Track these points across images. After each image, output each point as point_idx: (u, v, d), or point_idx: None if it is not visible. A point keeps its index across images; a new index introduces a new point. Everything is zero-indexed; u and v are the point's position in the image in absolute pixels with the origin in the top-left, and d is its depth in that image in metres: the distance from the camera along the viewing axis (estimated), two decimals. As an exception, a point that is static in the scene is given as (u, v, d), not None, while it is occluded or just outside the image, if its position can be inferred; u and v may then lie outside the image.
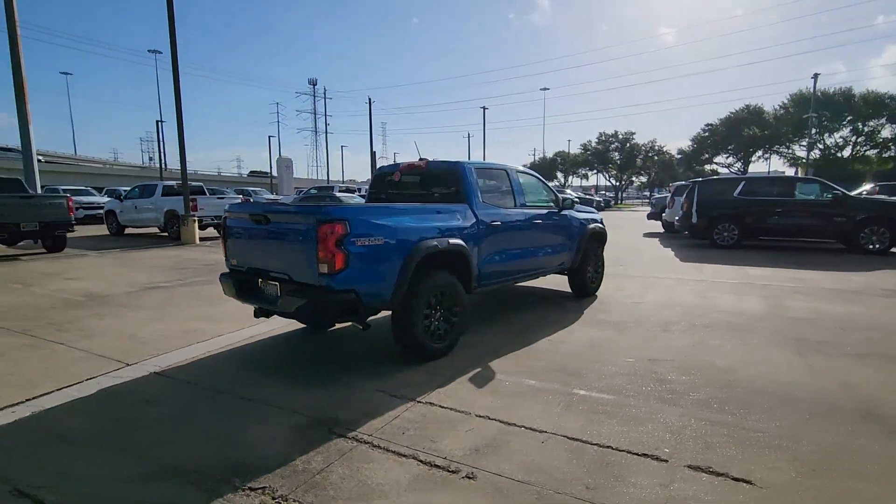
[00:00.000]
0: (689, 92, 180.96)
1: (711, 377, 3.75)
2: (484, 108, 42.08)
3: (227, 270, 4.45)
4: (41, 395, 3.50)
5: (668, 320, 5.42)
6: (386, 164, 5.55)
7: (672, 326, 5.18)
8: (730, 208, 12.18)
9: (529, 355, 4.32)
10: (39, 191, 14.55)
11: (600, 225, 6.84)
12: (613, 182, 55.47)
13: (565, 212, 6.13)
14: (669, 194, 16.93)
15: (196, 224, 14.34)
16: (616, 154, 51.75)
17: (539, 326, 5.21)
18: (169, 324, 5.40)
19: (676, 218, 13.92)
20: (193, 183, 16.30)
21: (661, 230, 17.15)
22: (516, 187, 5.43)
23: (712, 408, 3.23)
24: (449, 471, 2.53)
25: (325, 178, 61.16)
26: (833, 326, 5.11)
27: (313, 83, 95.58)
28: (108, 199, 19.79)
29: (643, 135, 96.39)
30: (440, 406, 3.29)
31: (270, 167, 61.46)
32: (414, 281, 3.98)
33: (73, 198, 12.96)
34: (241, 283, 4.20)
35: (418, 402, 3.36)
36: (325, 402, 3.37)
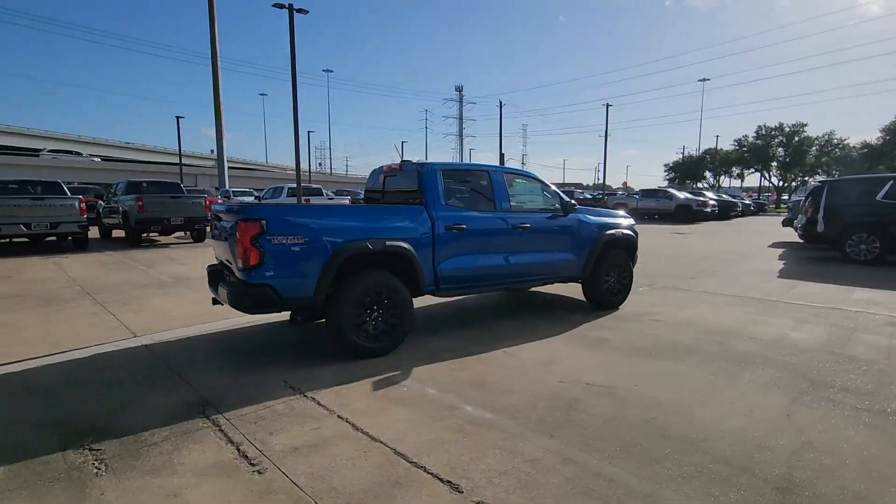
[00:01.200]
0: (879, 74, 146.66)
1: (635, 416, 3.20)
2: (607, 105, 39.31)
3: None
4: (58, 353, 4.41)
5: (671, 343, 4.68)
6: (377, 167, 5.71)
7: (666, 351, 4.47)
8: (869, 215, 9.83)
9: (463, 365, 4.14)
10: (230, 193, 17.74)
11: (625, 231, 6.12)
12: (776, 182, 47.74)
13: (573, 216, 5.64)
14: (806, 197, 14.17)
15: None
16: (780, 150, 44.39)
17: (512, 336, 4.91)
18: (201, 306, 6.26)
19: (798, 225, 11.63)
20: (311, 185, 18.27)
21: (797, 239, 14.42)
22: (498, 190, 5.16)
23: (592, 449, 2.78)
24: (251, 463, 2.62)
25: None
26: (880, 374, 3.93)
27: (460, 89, 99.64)
28: (250, 199, 23.18)
29: (815, 127, 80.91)
30: (316, 402, 3.38)
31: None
32: (340, 280, 4.10)
33: (222, 198, 15.61)
34: (213, 273, 4.74)
35: (303, 395, 3.49)
36: (229, 385, 3.68)
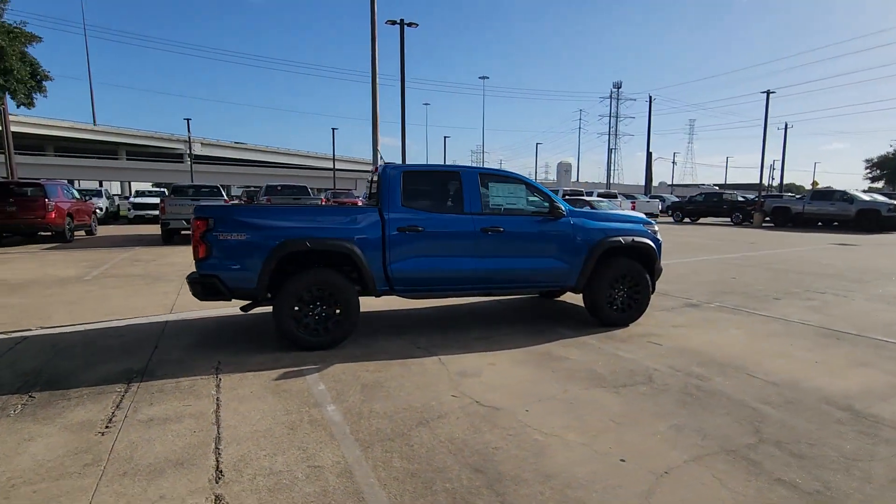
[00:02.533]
0: None
1: (477, 443, 2.89)
2: (767, 93, 32.90)
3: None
4: (101, 321, 5.54)
5: (636, 372, 4.02)
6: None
7: (618, 379, 3.87)
8: None
9: (382, 367, 4.11)
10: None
11: (639, 239, 5.34)
12: None
13: (564, 220, 5.14)
14: None
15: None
16: None
17: (468, 344, 4.70)
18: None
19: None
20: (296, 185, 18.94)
21: None
22: (469, 192, 4.95)
23: (392, 477, 2.63)
24: (105, 426, 3.04)
25: (606, 183, 59.79)
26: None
27: (618, 86, 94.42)
28: None
29: None
30: (216, 383, 3.71)
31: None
32: (280, 275, 4.41)
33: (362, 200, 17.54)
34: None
35: (215, 376, 3.86)
36: (175, 360, 4.23)
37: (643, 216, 5.75)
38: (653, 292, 5.58)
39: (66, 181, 18.97)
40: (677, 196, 38.35)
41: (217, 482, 2.45)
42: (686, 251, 12.74)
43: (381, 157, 5.74)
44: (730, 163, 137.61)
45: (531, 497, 2.35)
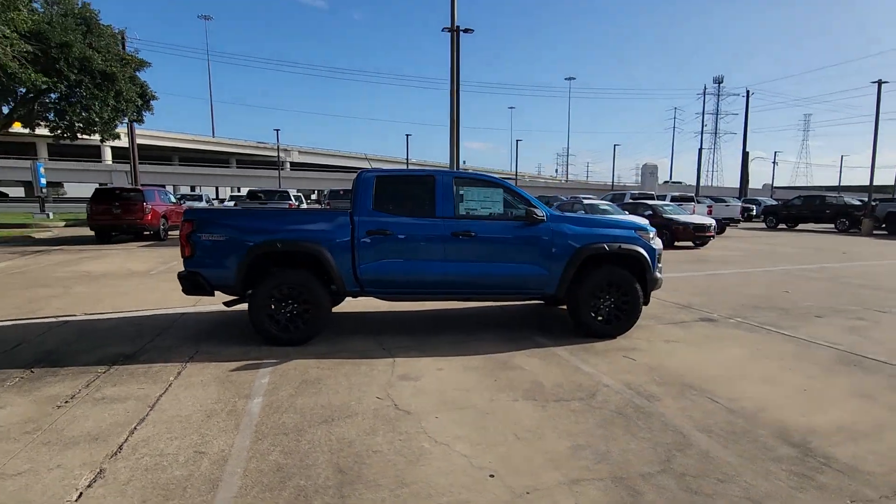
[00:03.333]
0: None
1: (335, 435, 2.93)
2: (879, 83, 28.02)
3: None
4: (133, 311, 6.28)
5: (583, 387, 3.80)
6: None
7: (559, 394, 3.68)
8: None
9: (332, 366, 4.25)
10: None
11: (627, 246, 4.99)
12: None
13: (544, 225, 4.95)
14: None
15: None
16: None
17: (435, 348, 4.70)
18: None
19: None
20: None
21: None
22: (440, 196, 4.95)
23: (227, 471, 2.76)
24: (64, 402, 3.50)
25: (696, 185, 55.52)
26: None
27: (719, 81, 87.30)
28: None
29: None
30: (179, 372, 4.08)
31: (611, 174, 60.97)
32: (253, 273, 4.73)
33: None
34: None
35: (183, 364, 4.24)
36: (164, 347, 4.70)
37: (640, 222, 5.35)
38: (646, 303, 5.18)
39: (164, 187, 21.48)
40: (776, 199, 34.48)
41: (112, 458, 2.74)
42: (759, 261, 11.53)
43: (370, 163, 5.89)
44: (856, 163, 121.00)
45: (372, 501, 2.35)
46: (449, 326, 5.60)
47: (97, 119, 16.34)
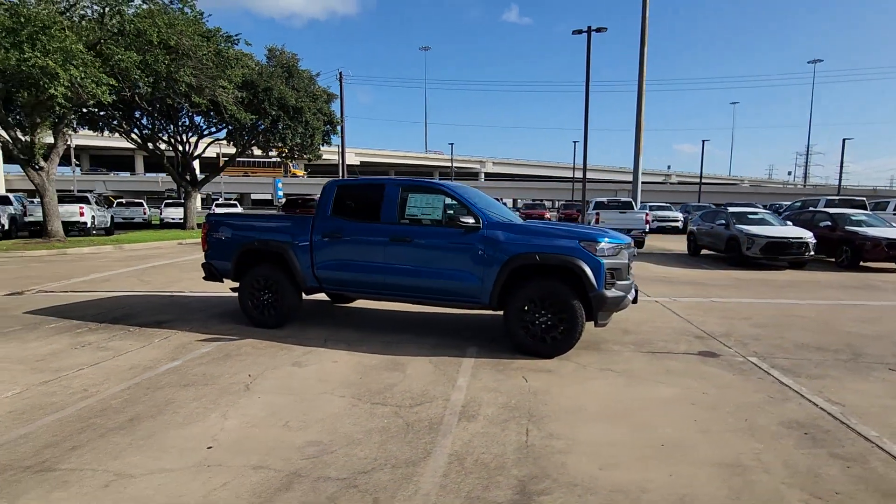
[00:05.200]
0: None
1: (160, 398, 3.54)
2: None
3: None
4: (192, 291, 8.10)
5: (415, 396, 3.72)
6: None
7: (396, 399, 3.70)
8: None
9: (256, 346, 4.95)
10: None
11: (564, 256, 4.46)
12: None
13: (481, 232, 4.81)
14: None
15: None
16: None
17: (388, 343, 5.03)
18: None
19: None
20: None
21: None
22: (387, 202, 5.21)
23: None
24: (72, 349, 5.00)
25: None
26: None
27: None
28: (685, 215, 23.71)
29: None
30: (158, 334, 5.32)
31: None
32: (242, 266, 5.77)
33: (651, 213, 18.03)
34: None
35: (184, 332, 5.49)
36: (193, 320, 6.10)
37: (591, 232, 4.68)
38: (599, 324, 4.54)
39: None
40: None
41: (22, 391, 3.93)
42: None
43: (357, 174, 6.38)
44: None
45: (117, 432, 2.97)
46: (409, 327, 5.77)
47: (290, 144, 20.59)
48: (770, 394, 3.77)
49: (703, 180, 48.84)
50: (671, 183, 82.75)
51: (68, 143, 14.20)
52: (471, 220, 4.83)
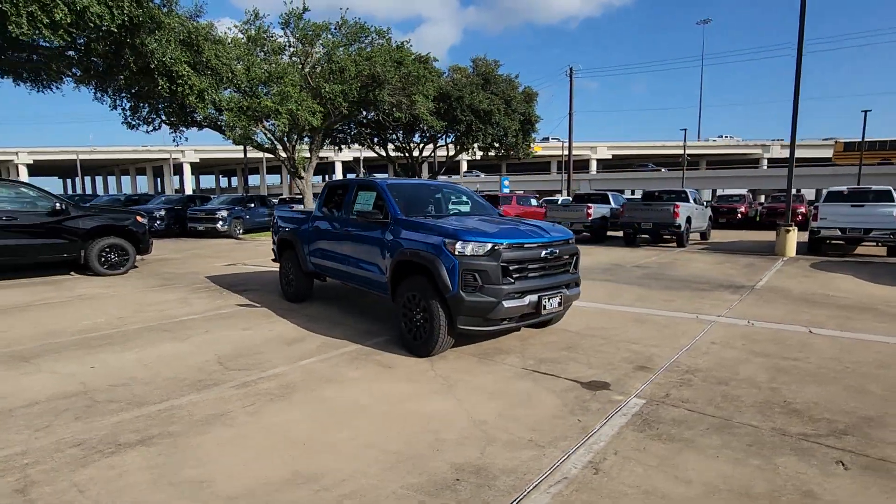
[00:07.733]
0: None
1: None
2: None
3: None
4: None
5: (209, 372, 4.37)
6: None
7: (236, 365, 4.48)
8: None
9: (260, 313, 6.27)
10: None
11: (424, 252, 4.31)
12: None
13: (385, 228, 5.07)
14: None
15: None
16: None
17: (305, 320, 5.82)
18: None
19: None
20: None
21: None
22: (348, 198, 5.85)
23: None
24: (153, 291, 7.33)
25: None
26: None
27: None
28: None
29: None
30: (214, 294, 7.23)
31: None
32: (280, 251, 7.28)
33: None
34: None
35: (224, 291, 7.37)
36: (240, 289, 7.99)
37: (455, 229, 4.29)
38: (460, 329, 4.23)
39: (523, 192, 25.16)
40: None
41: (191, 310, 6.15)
42: None
43: (362, 167, 6.80)
44: None
45: None
46: (370, 313, 6.25)
47: (483, 144, 22.11)
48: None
49: None
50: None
51: (318, 157, 18.92)
52: (385, 215, 5.12)
